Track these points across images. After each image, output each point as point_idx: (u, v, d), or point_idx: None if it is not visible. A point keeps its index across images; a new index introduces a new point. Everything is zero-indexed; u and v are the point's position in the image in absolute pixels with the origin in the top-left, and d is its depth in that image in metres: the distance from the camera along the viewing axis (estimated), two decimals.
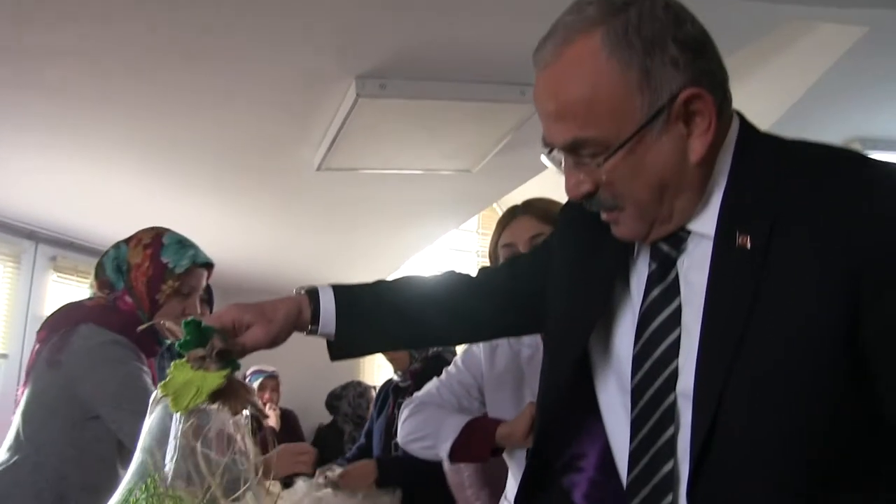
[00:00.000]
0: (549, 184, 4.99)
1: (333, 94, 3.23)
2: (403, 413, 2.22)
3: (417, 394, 2.26)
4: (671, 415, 1.06)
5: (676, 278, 1.10)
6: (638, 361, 1.11)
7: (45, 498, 2.02)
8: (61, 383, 2.08)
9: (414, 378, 3.13)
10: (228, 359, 1.22)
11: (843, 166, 1.01)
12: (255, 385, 5.00)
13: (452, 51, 3.04)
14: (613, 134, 1.02)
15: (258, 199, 4.60)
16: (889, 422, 0.97)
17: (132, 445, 1.95)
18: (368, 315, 1.35)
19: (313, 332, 1.32)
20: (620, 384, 1.15)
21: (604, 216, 1.13)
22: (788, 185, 1.02)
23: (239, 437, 1.20)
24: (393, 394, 3.31)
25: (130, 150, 3.87)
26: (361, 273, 6.26)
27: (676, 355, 1.07)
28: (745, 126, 1.11)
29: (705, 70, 1.03)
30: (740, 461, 0.99)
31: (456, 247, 7.02)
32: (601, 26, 1.02)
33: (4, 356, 5.09)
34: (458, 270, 1.46)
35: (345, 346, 1.35)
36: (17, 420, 2.12)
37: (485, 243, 7.15)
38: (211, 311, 3.37)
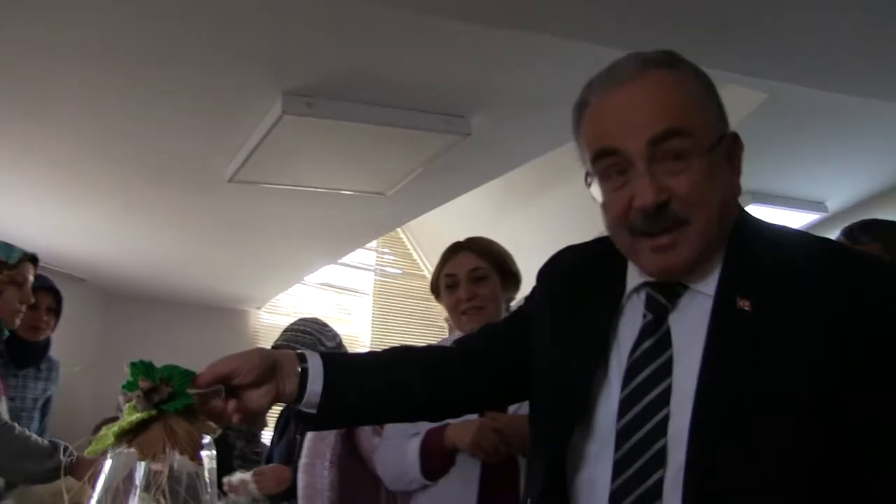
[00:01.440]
0: (453, 212, 5.04)
1: (257, 107, 3.16)
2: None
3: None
4: (661, 457, 1.09)
5: (668, 331, 1.15)
6: (626, 405, 1.14)
7: None
8: None
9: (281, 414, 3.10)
10: (165, 400, 1.16)
11: (819, 247, 1.16)
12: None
13: (382, 76, 3.03)
14: (704, 135, 1.11)
15: (164, 206, 4.44)
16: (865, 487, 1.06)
17: None
18: (357, 388, 1.33)
19: (297, 401, 1.28)
20: (594, 429, 1.18)
21: (655, 242, 1.13)
22: (779, 259, 1.13)
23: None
24: (295, 418, 3.24)
25: (34, 147, 3.69)
26: (263, 285, 6.15)
27: (668, 402, 1.11)
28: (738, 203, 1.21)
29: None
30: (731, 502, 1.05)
31: (354, 263, 6.97)
32: (674, 66, 1.15)
33: None
34: (437, 345, 1.46)
35: (327, 420, 1.34)
36: None
37: (383, 261, 7.23)
38: (58, 319, 3.29)
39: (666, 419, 1.11)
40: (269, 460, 3.35)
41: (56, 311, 3.26)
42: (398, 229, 6.60)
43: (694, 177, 1.09)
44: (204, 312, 6.41)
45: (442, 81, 3.11)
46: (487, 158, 3.80)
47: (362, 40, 2.77)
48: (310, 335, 2.99)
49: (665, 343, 1.15)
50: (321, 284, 6.91)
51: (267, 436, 4.09)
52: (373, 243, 6.95)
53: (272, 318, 6.81)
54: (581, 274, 1.30)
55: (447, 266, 2.40)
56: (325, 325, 3.11)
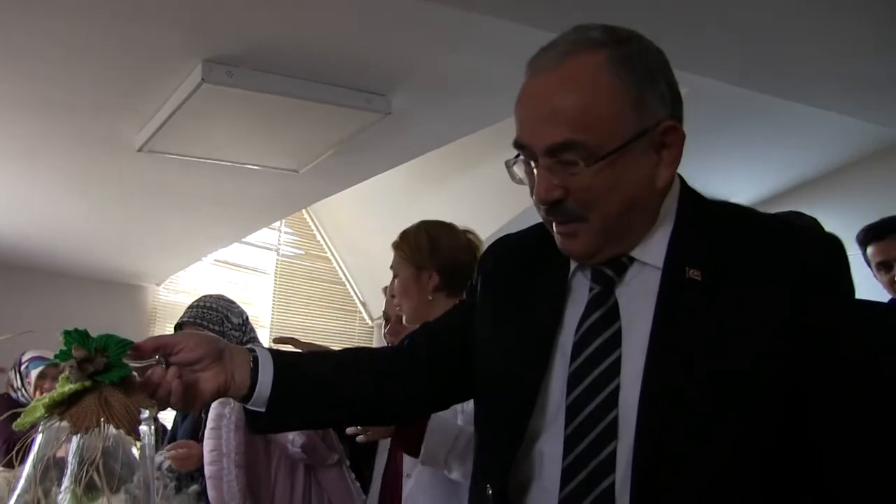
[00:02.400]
0: (359, 194, 5.00)
1: (175, 74, 3.06)
2: None
3: None
4: (613, 430, 1.09)
5: (616, 303, 1.15)
6: (574, 380, 1.13)
7: None
8: None
9: None
10: (101, 371, 1.10)
11: (768, 220, 1.20)
12: (34, 374, 4.62)
13: (305, 49, 2.98)
14: (602, 142, 1.08)
15: (67, 171, 4.25)
16: (811, 448, 1.09)
17: None
18: (311, 383, 1.26)
19: (244, 400, 1.21)
20: (544, 407, 1.17)
21: (560, 228, 1.15)
22: (728, 231, 1.15)
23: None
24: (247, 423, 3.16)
25: None
26: (164, 260, 5.97)
27: (618, 374, 1.11)
28: (682, 180, 1.21)
29: (679, 115, 1.15)
30: (683, 474, 1.06)
31: (256, 242, 6.84)
32: (606, 48, 1.10)
33: None
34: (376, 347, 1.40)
35: (277, 418, 1.24)
36: None
37: (287, 241, 7.11)
38: None
39: (616, 391, 1.10)
40: (172, 440, 3.26)
41: None
42: (302, 209, 6.52)
43: (589, 181, 1.09)
44: (101, 287, 6.18)
45: (365, 58, 3.08)
46: (406, 139, 3.79)
47: (288, 11, 2.72)
48: (216, 312, 2.90)
49: (613, 315, 1.14)
50: (222, 262, 6.76)
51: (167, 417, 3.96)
52: (276, 223, 6.84)
53: (172, 295, 6.63)
54: (522, 258, 1.30)
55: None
56: (231, 301, 3.03)
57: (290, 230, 7.22)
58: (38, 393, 2.77)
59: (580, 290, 1.20)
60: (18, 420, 1.07)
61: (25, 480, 1.06)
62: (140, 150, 3.69)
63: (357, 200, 5.90)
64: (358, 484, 2.77)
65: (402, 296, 2.25)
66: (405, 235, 2.33)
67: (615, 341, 1.13)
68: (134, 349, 1.12)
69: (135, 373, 1.12)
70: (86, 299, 5.98)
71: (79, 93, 3.36)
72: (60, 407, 1.07)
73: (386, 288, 2.72)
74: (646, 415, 1.08)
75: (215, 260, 6.63)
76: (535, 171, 1.13)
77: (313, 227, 7.26)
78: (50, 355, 5.13)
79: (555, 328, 1.19)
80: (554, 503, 1.12)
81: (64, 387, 1.07)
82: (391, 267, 2.32)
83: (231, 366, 1.18)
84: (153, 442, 1.15)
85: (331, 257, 7.27)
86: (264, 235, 6.84)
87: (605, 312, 1.15)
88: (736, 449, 1.07)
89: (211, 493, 2.54)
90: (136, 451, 1.14)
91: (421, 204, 5.35)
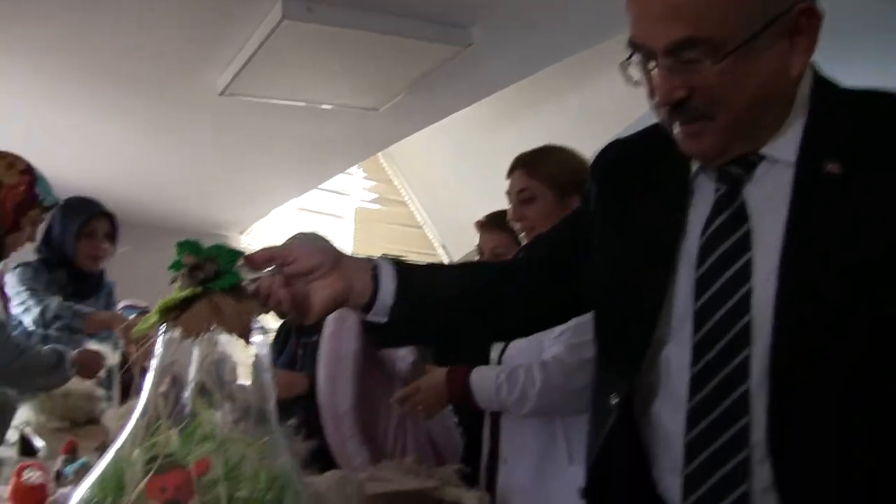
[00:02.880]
0: (438, 134, 4.96)
1: (254, 12, 3.05)
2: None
3: None
4: (745, 336, 1.05)
5: (744, 203, 1.10)
6: (702, 285, 1.09)
7: None
8: None
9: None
10: (211, 278, 1.11)
11: None
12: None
13: None
14: (728, 36, 1.01)
15: (150, 120, 4.32)
16: None
17: None
18: (433, 291, 1.24)
19: (364, 310, 1.19)
20: (669, 315, 1.13)
21: (683, 129, 1.09)
22: (868, 119, 1.07)
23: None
24: (295, 334, 3.20)
25: (16, 55, 3.54)
26: (245, 208, 6.05)
27: (749, 277, 1.06)
28: (815, 67, 1.12)
29: None
30: (820, 371, 1.02)
31: (335, 188, 6.88)
32: None
33: None
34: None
35: (399, 329, 1.22)
36: None
37: (364, 186, 7.13)
38: (115, 245, 3.18)
39: (748, 294, 1.06)
40: None
41: (112, 237, 3.17)
42: (379, 154, 6.52)
43: (715, 78, 1.02)
44: (184, 237, 6.27)
45: None
46: (486, 72, 3.72)
47: None
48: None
49: (741, 216, 1.09)
50: (304, 209, 6.82)
51: None
52: (352, 168, 6.86)
53: (255, 244, 6.73)
54: (638, 162, 1.24)
55: (507, 184, 2.30)
56: (325, 238, 3.06)
57: (366, 175, 7.24)
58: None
59: (704, 191, 1.15)
60: (136, 327, 1.09)
61: (147, 390, 1.07)
62: (222, 93, 3.70)
63: (431, 142, 5.87)
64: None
65: (541, 221, 2.15)
66: (538, 157, 2.27)
67: (745, 243, 1.08)
68: (246, 259, 1.12)
69: (248, 282, 1.13)
70: (169, 251, 6.07)
71: (160, 38, 3.37)
72: (173, 313, 1.08)
73: (480, 223, 2.69)
74: (783, 317, 1.03)
75: (298, 208, 6.70)
76: (653, 72, 1.07)
77: (389, 171, 7.27)
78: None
79: (678, 232, 1.14)
80: (681, 412, 1.09)
81: (177, 294, 1.09)
82: (512, 192, 2.25)
83: (349, 274, 1.16)
84: (269, 352, 1.15)
85: (408, 201, 7.27)
86: (341, 182, 6.87)
87: (732, 213, 1.10)
88: (871, 339, 1.02)
89: (324, 397, 2.56)
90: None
91: (494, 142, 5.28)
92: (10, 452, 2.41)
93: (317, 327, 2.90)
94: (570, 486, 2.04)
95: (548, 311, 1.37)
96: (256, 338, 1.11)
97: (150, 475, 0.99)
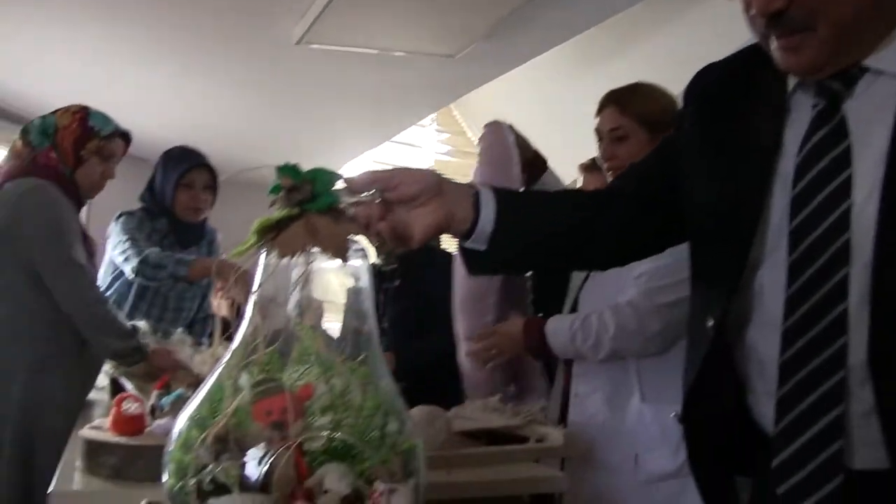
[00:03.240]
0: (514, 81, 4.90)
1: None
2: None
3: None
4: (844, 254, 1.02)
5: (844, 118, 1.05)
6: (798, 204, 1.06)
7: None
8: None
9: (399, 262, 3.05)
10: (308, 200, 1.12)
11: None
12: None
13: None
14: None
15: (227, 73, 4.36)
16: None
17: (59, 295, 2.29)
18: (532, 220, 1.24)
19: (465, 236, 1.20)
20: (765, 235, 1.11)
21: (781, 43, 1.05)
22: None
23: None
24: (377, 278, 3.23)
25: (93, 12, 3.60)
26: (325, 159, 6.09)
27: (849, 195, 1.02)
28: None
29: None
30: None
31: (410, 141, 6.88)
32: None
33: None
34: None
35: (499, 256, 1.22)
36: None
37: (438, 139, 7.12)
38: (215, 197, 3.23)
39: (847, 212, 1.02)
40: None
41: (213, 189, 3.21)
42: (451, 106, 6.49)
43: None
44: (257, 191, 6.34)
45: None
46: (565, 16, 3.63)
47: None
48: None
49: (841, 132, 1.05)
50: (375, 162, 6.85)
51: None
52: (426, 121, 6.85)
53: None
54: (732, 83, 1.21)
55: (597, 122, 2.27)
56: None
57: (439, 128, 7.22)
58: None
59: (802, 109, 1.11)
60: (233, 250, 1.11)
61: (248, 314, 1.09)
62: (298, 42, 3.71)
63: (506, 91, 5.81)
64: None
65: (633, 160, 2.07)
66: (630, 94, 2.23)
67: (844, 160, 1.04)
68: (347, 182, 1.12)
69: (348, 205, 1.13)
70: (243, 206, 6.16)
71: None
72: (270, 233, 1.10)
73: (584, 165, 2.67)
74: (886, 234, 0.99)
75: (372, 160, 6.72)
76: None
77: (463, 123, 7.23)
78: None
79: (774, 151, 1.11)
80: (776, 334, 1.06)
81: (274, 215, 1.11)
82: (603, 129, 2.22)
83: (451, 200, 1.16)
84: (368, 276, 1.16)
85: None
86: (414, 134, 6.86)
87: (831, 129, 1.06)
88: None
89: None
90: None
91: (574, 90, 5.20)
92: (101, 395, 2.49)
93: (399, 272, 2.93)
94: (641, 422, 2.05)
95: (640, 245, 1.36)
96: (355, 260, 1.12)
97: (254, 399, 1.01)
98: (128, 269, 2.94)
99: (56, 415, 2.33)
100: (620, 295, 2.11)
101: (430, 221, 1.15)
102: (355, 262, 1.14)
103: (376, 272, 3.41)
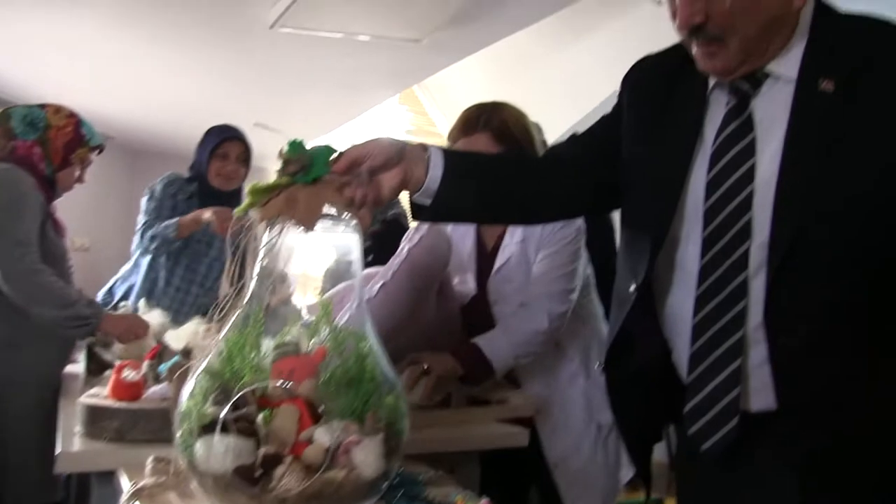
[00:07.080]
0: (474, 64, 4.98)
1: None
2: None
3: None
4: (747, 231, 1.21)
5: (751, 115, 1.25)
6: (712, 186, 1.25)
7: None
8: None
9: (374, 239, 3.19)
10: (298, 172, 1.24)
11: None
12: None
13: None
14: None
15: (199, 55, 4.45)
16: None
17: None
18: (472, 180, 1.40)
19: (415, 191, 1.35)
20: (684, 214, 1.30)
21: (700, 49, 1.24)
22: (865, 42, 1.20)
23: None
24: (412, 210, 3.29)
25: None
26: (296, 135, 6.16)
27: (752, 180, 1.22)
28: None
29: None
30: (815, 271, 1.18)
31: (381, 122, 6.96)
32: None
33: None
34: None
35: (440, 209, 1.38)
36: None
37: (401, 119, 7.17)
38: (248, 169, 3.34)
39: (751, 196, 1.21)
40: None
41: (246, 161, 3.32)
42: (414, 89, 6.59)
43: (729, 5, 1.17)
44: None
45: None
46: (527, 1, 3.79)
47: None
48: None
49: (748, 126, 1.24)
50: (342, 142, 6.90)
51: None
52: (393, 99, 6.93)
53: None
54: (664, 74, 1.39)
55: (460, 144, 2.17)
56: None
57: (410, 108, 7.30)
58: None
59: (718, 104, 1.30)
60: (238, 208, 1.25)
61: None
62: (272, 26, 3.82)
63: (468, 72, 5.92)
64: None
65: None
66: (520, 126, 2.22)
67: (750, 150, 1.23)
68: (335, 169, 1.26)
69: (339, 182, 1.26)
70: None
71: None
72: (262, 197, 1.23)
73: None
74: (780, 216, 1.18)
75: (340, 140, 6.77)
76: None
77: (424, 102, 7.34)
78: None
79: (695, 139, 1.30)
80: (691, 298, 1.26)
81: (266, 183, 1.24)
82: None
83: (410, 163, 1.32)
84: (360, 249, 1.30)
85: (443, 132, 7.35)
86: (378, 113, 6.94)
87: (740, 123, 1.25)
88: (859, 237, 1.17)
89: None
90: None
91: (530, 74, 5.36)
92: (79, 368, 2.46)
93: (373, 248, 3.04)
94: (585, 394, 2.17)
95: (578, 205, 1.57)
96: (351, 236, 1.26)
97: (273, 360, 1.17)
98: (133, 246, 3.20)
99: (29, 391, 2.40)
100: (531, 284, 2.16)
101: (395, 183, 1.30)
102: (347, 236, 1.27)
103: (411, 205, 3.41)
